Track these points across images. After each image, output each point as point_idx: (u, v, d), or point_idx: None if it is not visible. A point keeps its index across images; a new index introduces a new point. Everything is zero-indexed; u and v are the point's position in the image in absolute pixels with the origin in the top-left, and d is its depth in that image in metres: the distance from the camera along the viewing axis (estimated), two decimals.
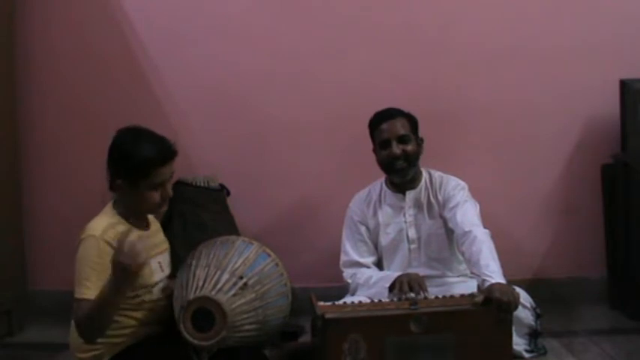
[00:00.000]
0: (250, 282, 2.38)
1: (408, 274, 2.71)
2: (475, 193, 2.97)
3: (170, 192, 2.33)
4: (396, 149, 2.86)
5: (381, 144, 2.91)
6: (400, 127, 2.89)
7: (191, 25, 3.54)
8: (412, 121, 2.95)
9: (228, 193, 3.35)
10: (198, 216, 3.19)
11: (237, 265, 2.39)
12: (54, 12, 3.54)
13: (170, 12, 3.54)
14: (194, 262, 2.40)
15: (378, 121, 2.94)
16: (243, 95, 3.55)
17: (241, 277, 2.37)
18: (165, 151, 2.29)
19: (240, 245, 2.49)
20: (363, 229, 2.99)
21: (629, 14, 3.53)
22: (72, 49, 3.55)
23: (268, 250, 2.55)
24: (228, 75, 3.54)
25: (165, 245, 2.50)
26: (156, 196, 2.29)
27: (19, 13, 3.48)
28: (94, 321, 2.13)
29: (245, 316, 2.33)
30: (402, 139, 2.88)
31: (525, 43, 3.53)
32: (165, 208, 2.40)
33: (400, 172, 2.90)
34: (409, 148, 2.88)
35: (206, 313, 2.24)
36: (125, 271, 2.05)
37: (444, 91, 3.50)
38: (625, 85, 3.36)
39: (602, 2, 3.55)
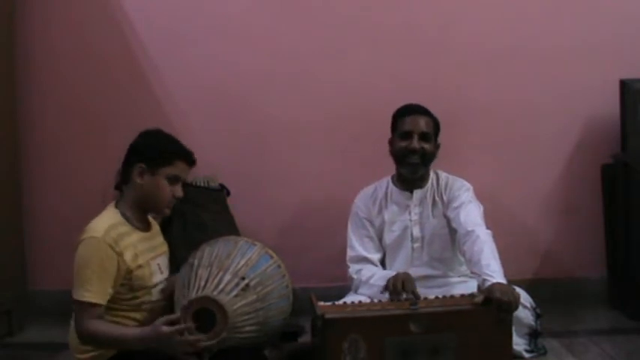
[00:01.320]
0: (252, 283, 2.37)
1: (396, 275, 2.71)
2: (475, 193, 2.97)
3: (180, 193, 2.39)
4: (416, 144, 2.87)
5: (401, 134, 2.91)
6: (424, 124, 2.91)
7: (191, 25, 3.54)
8: (436, 124, 2.96)
9: (228, 193, 3.35)
10: (198, 216, 3.19)
11: (239, 266, 2.38)
12: (54, 12, 3.54)
13: (170, 12, 3.54)
14: (196, 262, 2.40)
15: (406, 112, 2.94)
16: (243, 95, 3.55)
17: (243, 278, 2.36)
18: (189, 151, 2.40)
19: (243, 246, 2.48)
20: (368, 225, 2.99)
21: (629, 14, 3.53)
22: (72, 49, 3.55)
23: (271, 252, 2.54)
24: (228, 75, 3.54)
25: (165, 247, 2.50)
26: (168, 190, 2.33)
27: (19, 13, 3.48)
28: (102, 343, 2.20)
29: (246, 317, 2.32)
30: (424, 136, 2.89)
31: (525, 43, 3.53)
32: (167, 213, 2.42)
33: (412, 166, 2.90)
34: (427, 146, 2.89)
35: (207, 314, 2.24)
36: (167, 347, 2.14)
37: (444, 91, 3.50)
38: (625, 85, 3.36)
39: (602, 2, 3.55)
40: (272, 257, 2.52)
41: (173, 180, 2.34)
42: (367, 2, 3.54)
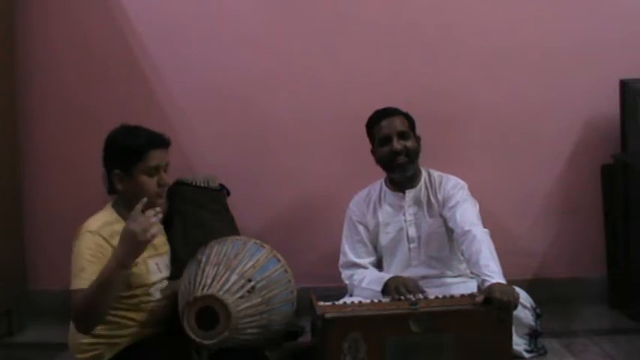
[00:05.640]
0: (258, 286, 2.37)
1: (402, 278, 2.70)
2: (475, 193, 2.97)
3: (168, 180, 2.36)
4: (397, 144, 2.87)
5: (380, 141, 2.91)
6: (400, 123, 2.91)
7: (191, 25, 3.53)
8: (410, 120, 2.96)
9: (229, 193, 3.34)
10: (198, 216, 3.18)
11: (246, 268, 2.38)
12: (54, 12, 3.54)
13: (170, 12, 3.54)
14: (204, 259, 2.40)
15: (378, 118, 2.95)
16: (243, 95, 3.54)
17: (250, 280, 2.36)
18: (155, 135, 2.34)
19: (252, 247, 2.48)
20: (361, 229, 2.99)
21: (629, 14, 3.53)
22: (72, 49, 3.55)
23: (279, 256, 2.54)
24: (228, 75, 3.54)
25: (166, 248, 2.51)
26: (152, 182, 2.31)
27: (19, 13, 3.48)
28: (91, 304, 2.09)
29: (249, 319, 2.32)
30: (402, 135, 2.89)
31: (525, 43, 3.53)
32: (163, 200, 2.39)
33: (401, 167, 2.90)
34: (409, 144, 2.89)
35: (211, 312, 2.24)
36: (133, 240, 2.05)
37: (444, 91, 3.50)
38: (625, 85, 3.36)
39: (602, 2, 3.55)
40: (279, 261, 2.52)
41: (153, 171, 2.30)
42: (367, 2, 3.54)
